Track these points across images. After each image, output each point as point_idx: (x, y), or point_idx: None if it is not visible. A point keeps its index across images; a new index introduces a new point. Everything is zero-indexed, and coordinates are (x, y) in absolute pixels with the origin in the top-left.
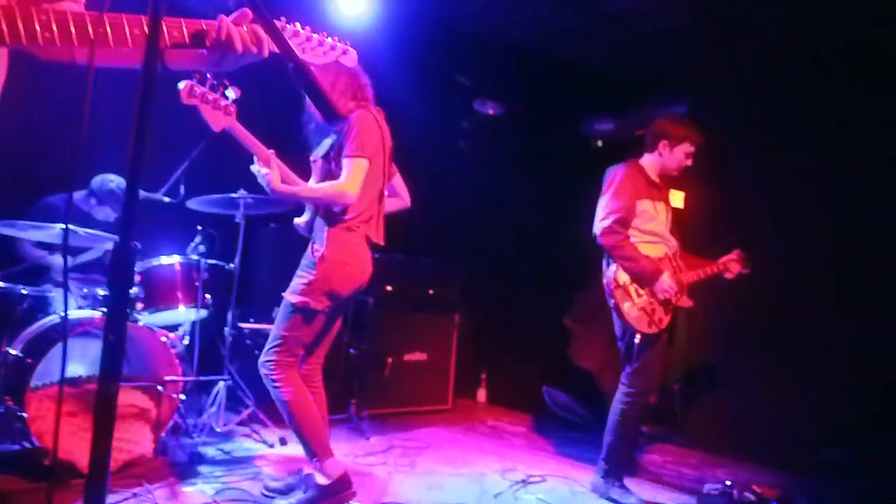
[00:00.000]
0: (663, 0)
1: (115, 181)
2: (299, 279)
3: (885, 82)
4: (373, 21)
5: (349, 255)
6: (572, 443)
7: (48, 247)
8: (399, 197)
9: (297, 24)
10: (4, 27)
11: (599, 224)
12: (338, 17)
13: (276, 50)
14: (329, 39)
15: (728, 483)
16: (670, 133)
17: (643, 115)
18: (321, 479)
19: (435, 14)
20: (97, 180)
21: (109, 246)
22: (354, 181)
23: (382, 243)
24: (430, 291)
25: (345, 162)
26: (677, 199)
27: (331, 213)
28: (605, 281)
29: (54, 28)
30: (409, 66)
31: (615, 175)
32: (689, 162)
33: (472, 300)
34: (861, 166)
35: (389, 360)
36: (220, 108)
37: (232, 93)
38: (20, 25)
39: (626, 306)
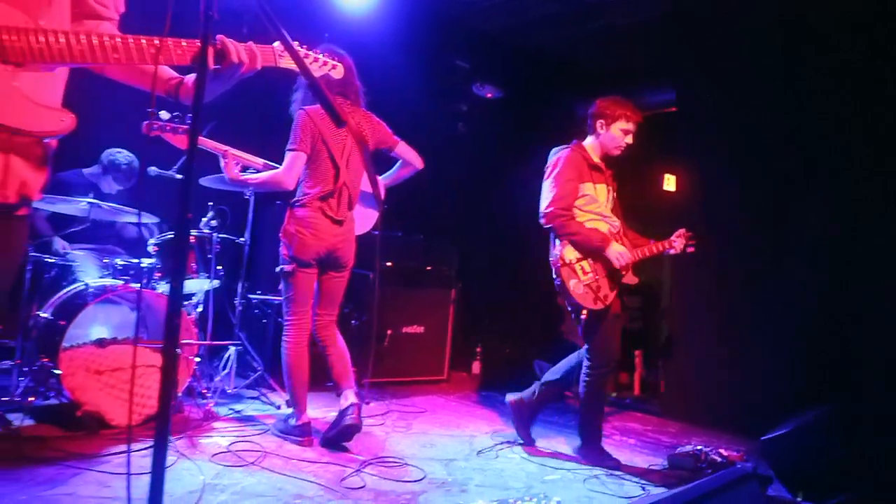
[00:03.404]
0: None
1: (123, 156)
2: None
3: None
4: (374, 7)
5: (303, 226)
6: (560, 412)
7: (55, 222)
8: (408, 162)
9: (297, 43)
10: (76, 50)
11: (544, 210)
12: (341, 4)
13: (293, 67)
14: (321, 56)
15: (697, 447)
16: (605, 112)
17: (635, 102)
18: (291, 421)
19: (428, 1)
20: (106, 153)
21: (127, 219)
22: (288, 170)
23: (339, 217)
24: (428, 268)
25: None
26: (670, 182)
27: (290, 196)
28: (551, 260)
29: (121, 51)
30: (410, 51)
31: (558, 159)
32: (628, 140)
33: (468, 277)
34: (843, 151)
35: (389, 332)
36: (180, 133)
37: (189, 118)
38: (86, 50)
39: (571, 284)
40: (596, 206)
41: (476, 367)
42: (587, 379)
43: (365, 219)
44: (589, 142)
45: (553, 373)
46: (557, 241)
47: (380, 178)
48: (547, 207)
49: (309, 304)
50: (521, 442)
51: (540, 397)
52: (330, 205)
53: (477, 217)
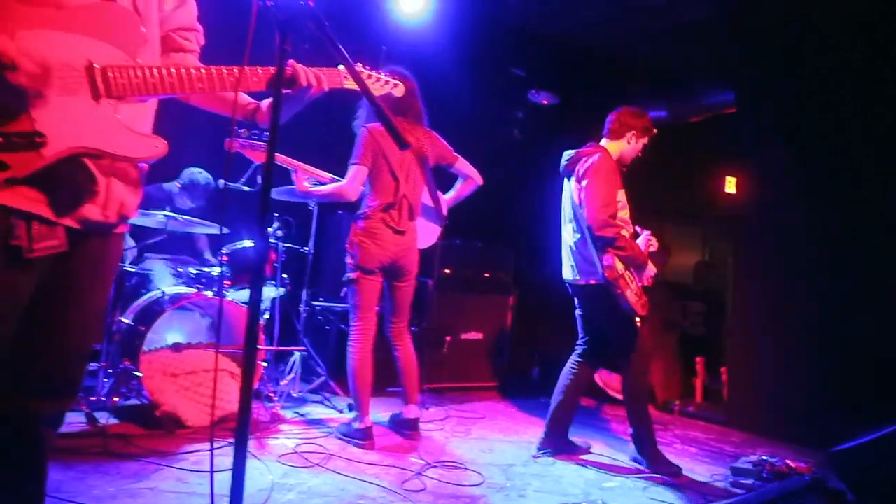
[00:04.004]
0: None
1: (203, 176)
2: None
3: None
4: (430, 17)
5: (367, 236)
6: (620, 420)
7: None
8: (467, 178)
9: (360, 65)
10: (167, 82)
11: (596, 216)
12: (398, 16)
13: (354, 88)
14: (382, 75)
15: (762, 457)
16: (639, 124)
17: (695, 104)
18: (355, 424)
19: (483, 9)
20: (186, 172)
21: (200, 230)
22: (350, 183)
23: (401, 228)
24: (486, 274)
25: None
26: (731, 184)
27: (352, 206)
28: (604, 272)
29: (205, 80)
30: (466, 59)
31: (597, 165)
32: (641, 155)
33: (526, 282)
34: None
35: (448, 338)
36: (259, 149)
37: (267, 135)
38: (178, 82)
39: (628, 293)
40: (625, 213)
41: (535, 372)
42: (631, 387)
43: (428, 233)
44: (614, 147)
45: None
46: (603, 252)
47: (443, 196)
48: (599, 213)
49: (373, 310)
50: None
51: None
52: (391, 216)
53: (534, 222)
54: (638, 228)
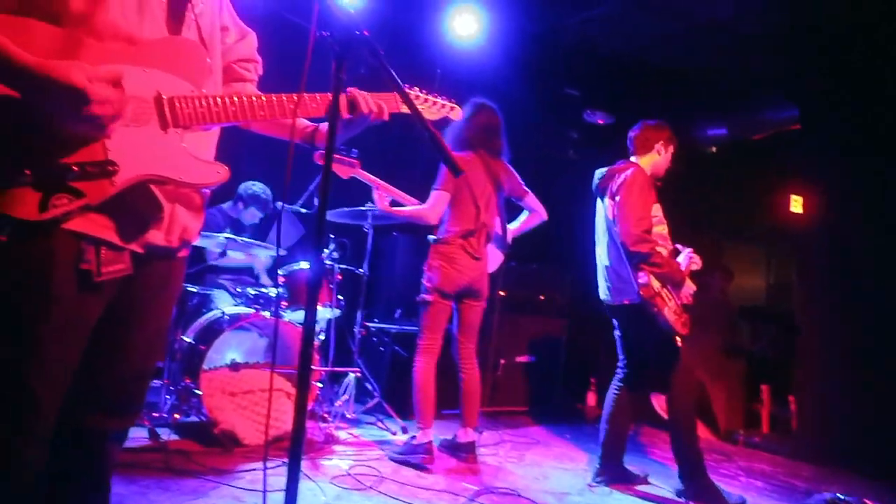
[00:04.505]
0: (760, 5)
1: (259, 187)
2: (422, 283)
3: None
4: (484, 39)
5: (447, 261)
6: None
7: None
8: (534, 212)
9: (416, 88)
10: (230, 111)
11: (630, 231)
12: (453, 37)
13: (403, 111)
14: (439, 99)
15: (837, 495)
16: (664, 135)
17: (758, 120)
18: (415, 440)
19: (537, 29)
20: (242, 187)
21: (262, 254)
22: (432, 207)
23: (478, 255)
24: (541, 296)
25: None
26: (797, 204)
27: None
28: (639, 290)
29: (266, 108)
30: (520, 80)
31: (631, 180)
32: (670, 165)
33: (583, 305)
34: None
35: (502, 361)
36: (346, 164)
37: (355, 152)
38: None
39: (666, 311)
40: (662, 229)
41: (591, 398)
42: (676, 409)
43: (493, 259)
44: (645, 161)
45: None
46: (639, 269)
47: (508, 225)
48: (634, 228)
49: (441, 332)
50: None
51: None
52: (470, 243)
53: (590, 244)
54: (679, 246)
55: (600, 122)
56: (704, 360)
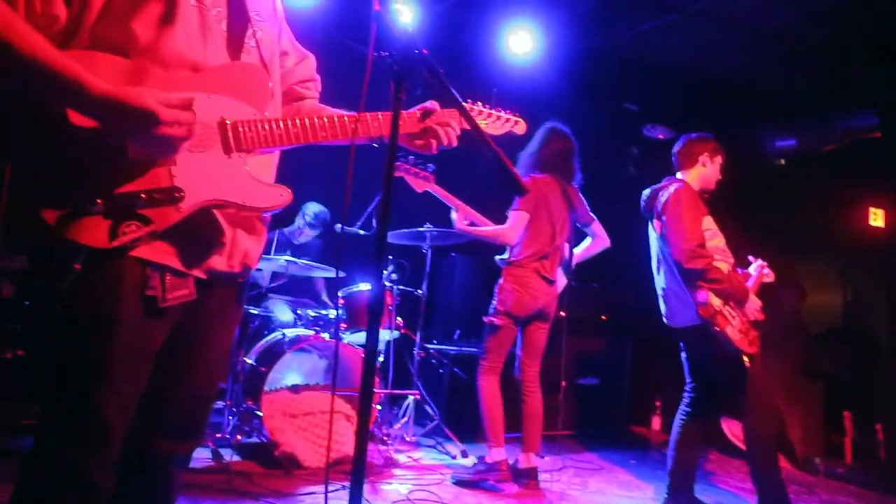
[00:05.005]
0: (823, 10)
1: (316, 207)
2: (491, 303)
3: None
4: (539, 56)
5: (521, 285)
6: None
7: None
8: (599, 238)
9: (479, 103)
10: (292, 133)
11: (683, 247)
12: (509, 55)
13: (467, 127)
14: (503, 113)
15: None
16: (708, 146)
17: (831, 130)
18: (487, 458)
19: (593, 44)
20: (302, 208)
21: (318, 274)
22: (512, 228)
23: (552, 278)
24: (604, 317)
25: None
26: (877, 217)
27: (507, 254)
28: (698, 309)
29: (327, 129)
30: (577, 97)
31: (677, 197)
32: (720, 175)
33: (647, 325)
34: None
35: (563, 383)
36: (420, 177)
37: (431, 166)
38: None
39: (729, 329)
40: (718, 241)
41: (656, 422)
42: (755, 436)
43: (559, 283)
44: (691, 176)
45: None
46: (697, 287)
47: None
48: (685, 243)
49: (505, 355)
50: None
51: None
52: (544, 265)
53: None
54: (750, 257)
55: (661, 136)
56: (778, 382)
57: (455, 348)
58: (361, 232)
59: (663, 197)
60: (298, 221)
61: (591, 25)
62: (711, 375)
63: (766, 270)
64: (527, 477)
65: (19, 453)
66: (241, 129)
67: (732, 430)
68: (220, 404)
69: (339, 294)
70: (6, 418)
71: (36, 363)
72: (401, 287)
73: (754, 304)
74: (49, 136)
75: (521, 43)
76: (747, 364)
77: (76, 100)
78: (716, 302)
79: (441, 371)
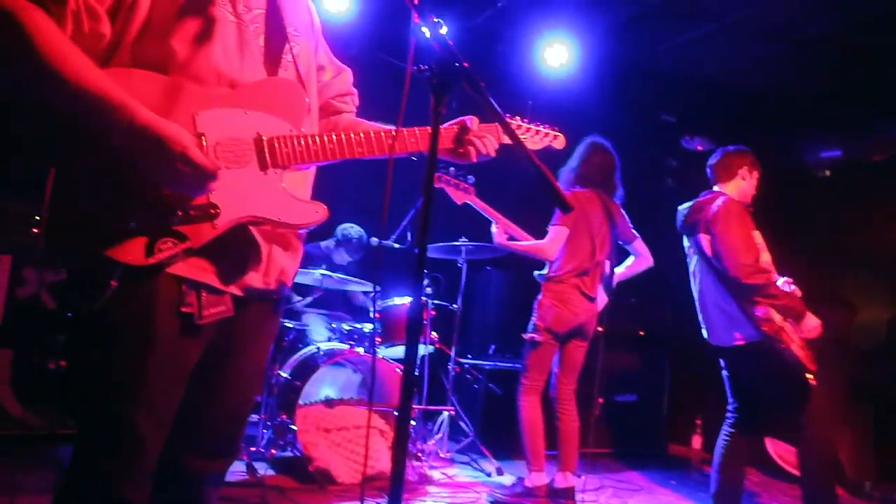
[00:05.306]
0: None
1: (355, 230)
2: (530, 320)
3: None
4: (575, 69)
5: (560, 301)
6: (793, 498)
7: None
8: (641, 257)
9: (517, 118)
10: (328, 149)
11: (739, 264)
12: (545, 68)
13: (509, 142)
14: (541, 128)
15: None
16: (747, 159)
17: (879, 139)
18: (527, 482)
19: (629, 55)
20: (340, 228)
21: (353, 287)
22: (551, 243)
23: (593, 295)
24: (641, 332)
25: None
26: None
27: (546, 270)
28: (760, 327)
29: (364, 144)
30: (614, 108)
31: (721, 209)
32: (756, 190)
33: (686, 341)
34: None
35: (600, 400)
36: (461, 189)
37: (471, 178)
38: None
39: (793, 347)
40: (766, 257)
41: (696, 440)
42: (814, 461)
43: (599, 300)
44: (731, 189)
45: None
46: (755, 304)
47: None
48: (742, 259)
49: (546, 373)
50: None
51: None
52: (584, 282)
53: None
54: (775, 276)
55: (699, 148)
56: (827, 403)
57: (490, 363)
58: (396, 245)
59: (711, 211)
60: (331, 243)
61: (627, 36)
62: (759, 395)
63: (793, 287)
64: (564, 497)
65: (63, 463)
66: (276, 144)
67: (779, 451)
68: (254, 417)
69: (374, 307)
70: (52, 427)
71: (74, 377)
72: (436, 301)
73: (812, 322)
74: (90, 153)
75: (556, 55)
76: (812, 382)
77: (118, 124)
78: (777, 318)
79: (476, 386)
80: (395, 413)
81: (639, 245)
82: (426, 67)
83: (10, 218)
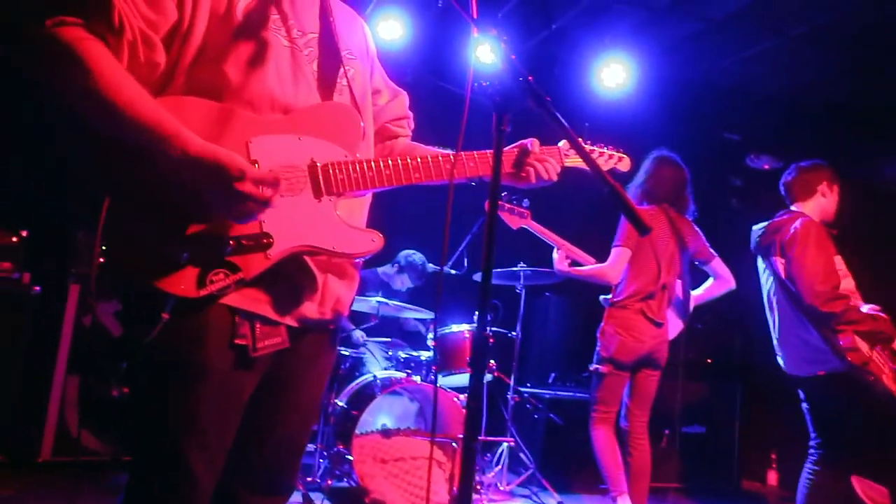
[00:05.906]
0: None
1: (419, 257)
2: (595, 350)
3: None
4: (633, 88)
5: (624, 328)
6: None
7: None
8: (721, 278)
9: (581, 139)
10: (384, 175)
11: (817, 291)
12: (601, 88)
13: (579, 165)
14: (606, 149)
15: None
16: (825, 174)
17: None
18: None
19: (689, 73)
20: (403, 254)
21: (409, 314)
22: (612, 265)
23: (660, 320)
24: (709, 360)
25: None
26: None
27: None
28: (846, 357)
29: (421, 170)
30: (674, 128)
31: (799, 231)
32: (838, 207)
33: (758, 369)
34: None
35: (666, 431)
36: (516, 214)
37: (526, 202)
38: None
39: (885, 378)
40: (848, 283)
41: (772, 476)
42: None
43: (672, 326)
44: (809, 208)
45: None
46: (836, 332)
47: (692, 292)
48: (820, 286)
49: (617, 404)
50: None
51: None
52: (650, 306)
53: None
54: (857, 301)
55: (766, 167)
56: None
57: (550, 392)
58: (453, 272)
59: (788, 232)
60: (390, 268)
61: (686, 54)
62: (845, 430)
63: (882, 315)
64: None
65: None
66: (331, 171)
67: (868, 492)
68: (311, 447)
69: (430, 336)
70: (115, 454)
71: (130, 407)
72: (494, 328)
73: None
74: (143, 183)
75: (613, 75)
76: None
77: (172, 153)
78: (864, 346)
79: (536, 416)
80: (454, 444)
81: (717, 265)
82: (487, 83)
83: (78, 248)
